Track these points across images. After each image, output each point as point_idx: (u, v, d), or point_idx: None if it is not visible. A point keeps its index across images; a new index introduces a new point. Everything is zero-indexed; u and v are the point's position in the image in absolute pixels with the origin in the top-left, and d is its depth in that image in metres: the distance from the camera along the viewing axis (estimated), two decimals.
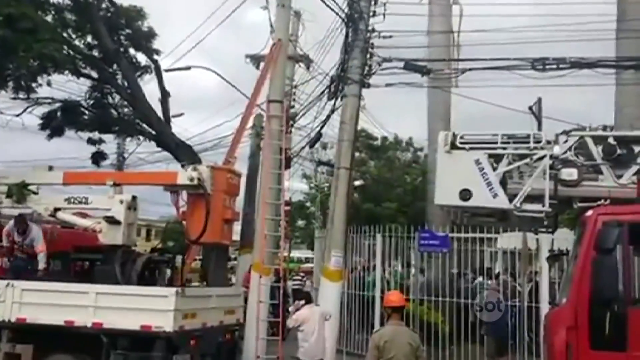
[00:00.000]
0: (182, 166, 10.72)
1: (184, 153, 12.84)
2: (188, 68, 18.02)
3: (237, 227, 17.33)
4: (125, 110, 15.72)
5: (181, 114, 21.36)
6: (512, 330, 12.32)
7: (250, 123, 16.24)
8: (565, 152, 7.11)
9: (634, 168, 6.73)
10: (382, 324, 13.41)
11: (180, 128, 19.06)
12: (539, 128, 7.73)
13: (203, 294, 9.78)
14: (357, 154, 30.82)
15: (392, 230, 13.57)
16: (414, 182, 26.28)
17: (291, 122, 14.09)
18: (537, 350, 10.23)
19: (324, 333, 9.48)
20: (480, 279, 14.30)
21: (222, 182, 10.32)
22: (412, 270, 14.16)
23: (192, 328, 8.85)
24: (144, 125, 15.18)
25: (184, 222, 10.56)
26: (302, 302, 9.78)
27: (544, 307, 8.78)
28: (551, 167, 7.03)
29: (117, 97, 15.42)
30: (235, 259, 19.92)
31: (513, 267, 12.90)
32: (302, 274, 22.93)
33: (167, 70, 16.01)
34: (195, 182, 9.86)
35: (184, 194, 10.33)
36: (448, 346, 12.36)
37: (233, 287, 12.98)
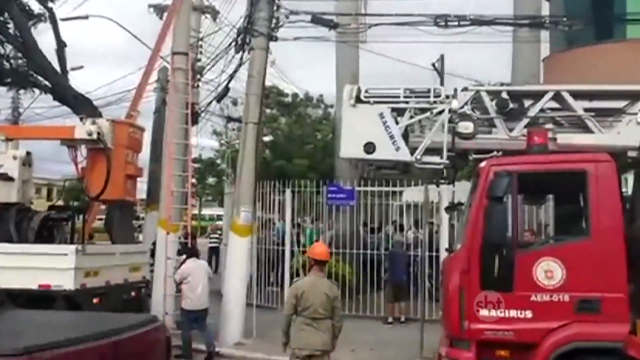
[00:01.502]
0: (81, 120, 10.26)
1: (84, 107, 12.22)
2: (86, 17, 17.08)
3: (143, 185, 16.95)
4: (19, 61, 14.78)
5: (80, 67, 20.33)
6: (413, 278, 12.95)
7: (155, 76, 15.76)
8: (463, 106, 7.37)
9: (525, 121, 7.09)
10: (291, 277, 13.77)
11: (81, 82, 18.12)
12: (442, 84, 7.99)
13: (106, 252, 9.56)
14: (267, 110, 30.66)
15: (301, 185, 13.74)
16: (325, 139, 26.52)
17: (198, 76, 13.71)
18: (436, 295, 10.81)
19: (207, 285, 9.87)
20: (389, 230, 14.84)
21: (124, 136, 9.99)
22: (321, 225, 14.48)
23: (95, 286, 8.65)
24: (39, 77, 14.30)
25: (84, 179, 10.18)
26: (184, 256, 10.01)
27: (444, 255, 9.24)
28: (450, 121, 7.27)
29: (9, 47, 14.45)
30: (142, 218, 19.50)
31: (417, 219, 13.48)
32: (219, 232, 22.71)
33: (63, 19, 15.08)
34: (95, 136, 9.49)
35: (82, 149, 9.93)
36: (355, 296, 12.83)
37: (139, 244, 12.71)
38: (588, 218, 6.08)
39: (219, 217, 31.99)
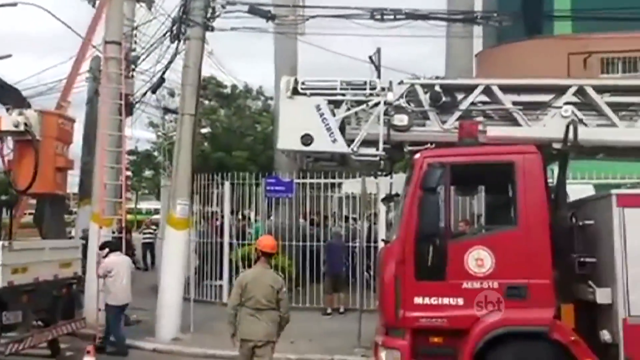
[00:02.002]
0: (7, 110, 9.81)
1: (10, 97, 11.67)
2: (14, 4, 16.30)
3: (76, 178, 16.41)
4: None
5: (8, 56, 19.41)
6: (352, 269, 13.12)
7: (87, 66, 15.25)
8: (398, 99, 7.47)
9: (457, 114, 7.25)
10: (231, 271, 13.70)
11: (10, 71, 17.29)
12: (379, 77, 8.03)
13: (34, 247, 9.20)
14: (206, 102, 30.21)
15: (240, 178, 13.65)
16: (265, 131, 26.37)
17: (132, 66, 13.36)
18: (374, 286, 10.96)
19: (130, 280, 9.93)
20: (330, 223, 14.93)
21: (53, 127, 9.64)
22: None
23: (23, 283, 8.32)
24: None
25: (11, 172, 9.76)
26: (107, 250, 9.94)
27: (381, 246, 9.38)
28: (385, 113, 7.35)
29: None
30: (75, 212, 18.89)
31: (356, 211, 13.63)
32: (153, 227, 22.22)
33: None
34: (22, 127, 9.12)
35: (9, 141, 9.52)
36: (294, 288, 12.87)
37: (70, 239, 12.30)
38: (516, 208, 6.29)
39: (156, 211, 31.33)
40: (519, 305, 6.04)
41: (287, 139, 7.59)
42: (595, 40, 15.38)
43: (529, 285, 6.06)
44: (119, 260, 9.88)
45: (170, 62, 12.05)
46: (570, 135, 6.68)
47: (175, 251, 10.76)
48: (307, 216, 15.10)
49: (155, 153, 33.42)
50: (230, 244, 13.83)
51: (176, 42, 11.40)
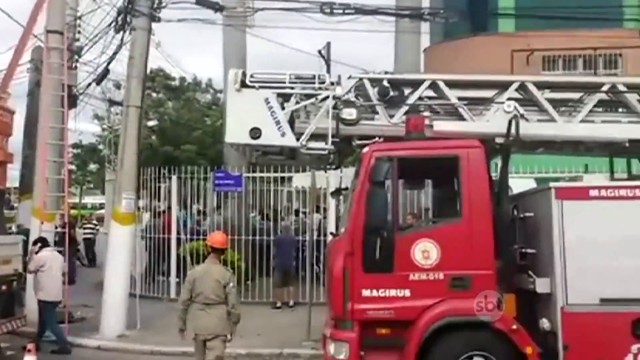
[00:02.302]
0: None
1: None
2: None
3: (16, 172, 15.84)
4: None
5: None
6: (301, 263, 13.15)
7: (28, 56, 14.70)
8: (347, 93, 7.50)
9: (404, 108, 7.33)
10: (178, 266, 13.53)
11: None
12: (328, 71, 8.02)
13: None
14: (153, 94, 29.65)
15: (188, 172, 13.47)
16: (215, 124, 26.07)
17: (76, 57, 12.96)
18: (324, 279, 11.02)
19: (61, 276, 9.76)
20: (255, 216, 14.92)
21: None
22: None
23: None
24: None
25: None
26: (39, 245, 9.74)
27: (330, 239, 9.43)
28: (334, 107, 7.36)
29: None
30: (16, 207, 18.23)
31: (306, 205, 13.65)
32: (94, 223, 21.67)
33: None
34: None
35: None
36: (244, 282, 12.80)
37: (10, 235, 11.88)
38: (460, 201, 6.43)
39: (102, 206, 30.60)
40: (463, 295, 6.18)
41: (235, 133, 7.50)
42: (537, 38, 15.84)
43: (473, 276, 6.21)
44: (50, 256, 9.65)
45: (115, 53, 11.78)
46: (512, 130, 6.88)
47: (121, 246, 10.55)
48: (257, 210, 15.05)
49: (101, 146, 32.58)
50: (179, 239, 13.64)
51: (121, 32, 11.15)
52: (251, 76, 7.54)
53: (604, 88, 7.33)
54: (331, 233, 9.44)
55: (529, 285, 6.45)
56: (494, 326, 6.11)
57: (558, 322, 6.12)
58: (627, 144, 7.08)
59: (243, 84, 7.47)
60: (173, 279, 13.53)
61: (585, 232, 6.15)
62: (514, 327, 6.12)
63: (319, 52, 8.42)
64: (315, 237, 12.76)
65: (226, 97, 8.28)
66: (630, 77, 8.78)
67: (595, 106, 7.43)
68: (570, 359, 6.03)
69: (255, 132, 7.32)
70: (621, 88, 7.30)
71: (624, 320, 5.99)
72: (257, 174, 13.41)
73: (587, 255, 6.11)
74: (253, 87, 7.45)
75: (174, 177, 13.57)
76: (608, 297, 6.05)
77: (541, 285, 6.32)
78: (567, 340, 6.06)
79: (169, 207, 13.98)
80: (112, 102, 25.01)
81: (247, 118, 7.39)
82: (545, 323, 6.27)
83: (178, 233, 13.58)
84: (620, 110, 7.53)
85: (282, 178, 14.09)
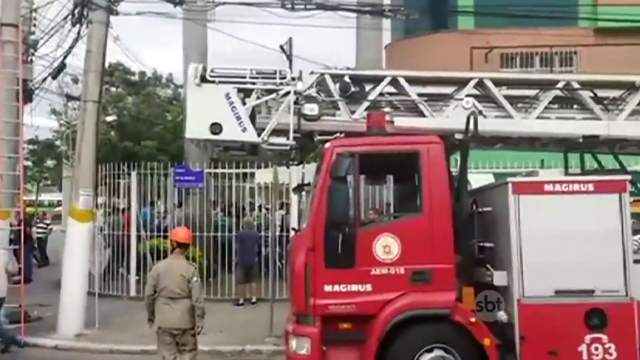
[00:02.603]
0: None
1: None
2: None
3: None
4: None
5: None
6: (264, 259, 13.12)
7: None
8: (308, 88, 7.49)
9: (365, 104, 7.37)
10: (138, 263, 13.34)
11: None
12: (290, 67, 8.00)
13: None
14: (112, 89, 29.14)
15: (148, 168, 13.27)
16: (175, 120, 25.77)
17: (31, 50, 12.63)
18: (286, 275, 11.02)
19: (4, 272, 9.56)
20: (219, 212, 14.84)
21: None
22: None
23: None
24: None
25: None
26: None
27: (292, 235, 9.43)
28: (295, 103, 7.35)
29: None
30: None
31: (269, 201, 13.61)
32: (47, 222, 21.14)
33: None
34: None
35: None
36: (206, 279, 12.70)
37: None
38: (420, 196, 6.50)
39: (59, 203, 29.92)
40: (423, 289, 6.25)
41: (195, 128, 7.42)
42: (496, 35, 16.14)
43: (433, 270, 6.28)
44: None
45: (71, 47, 11.49)
46: (471, 126, 6.98)
47: (78, 244, 10.35)
48: (219, 206, 14.94)
49: (58, 142, 31.87)
50: (139, 236, 13.45)
51: (78, 25, 10.89)
52: (211, 71, 7.47)
53: (559, 85, 7.50)
54: (293, 229, 9.43)
55: (487, 279, 6.57)
56: (453, 319, 6.21)
57: (515, 314, 6.25)
58: (580, 140, 7.26)
59: (203, 79, 7.39)
60: (133, 276, 13.33)
61: (541, 226, 6.28)
62: (473, 319, 6.23)
63: (281, 47, 8.38)
64: (278, 233, 12.74)
65: (186, 92, 8.19)
66: (584, 75, 9.04)
67: (551, 103, 7.59)
68: (527, 349, 6.17)
69: (216, 128, 7.25)
70: (575, 85, 7.48)
71: (577, 311, 6.16)
72: (219, 170, 13.30)
73: (543, 248, 6.25)
74: (213, 82, 7.38)
75: (134, 174, 13.36)
76: (562, 289, 6.20)
77: (499, 278, 6.44)
78: (524, 331, 6.20)
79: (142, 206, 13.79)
80: (69, 97, 24.51)
81: (207, 113, 7.31)
82: (502, 315, 6.40)
83: (138, 230, 13.38)
84: (575, 107, 7.71)
85: (245, 174, 14.01)
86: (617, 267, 6.20)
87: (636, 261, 6.27)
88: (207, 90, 7.35)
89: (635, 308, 6.14)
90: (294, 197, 12.46)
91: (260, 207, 15.22)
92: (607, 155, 7.37)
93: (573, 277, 6.20)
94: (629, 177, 6.54)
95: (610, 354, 6.07)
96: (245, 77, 7.47)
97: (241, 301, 12.66)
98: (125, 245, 13.42)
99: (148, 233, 13.37)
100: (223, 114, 7.26)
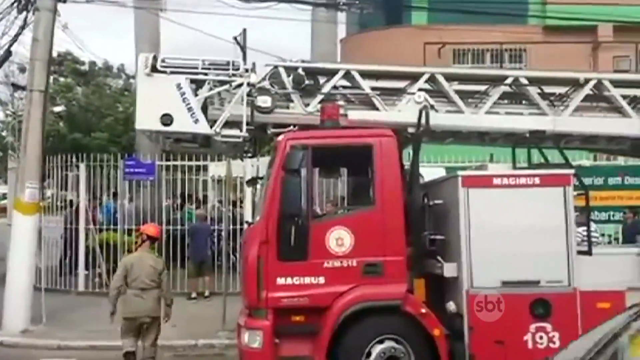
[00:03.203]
0: None
1: None
2: None
3: None
4: None
5: None
6: (217, 252, 13.00)
7: None
8: (262, 80, 7.44)
9: (319, 97, 7.37)
10: (87, 258, 13.04)
11: None
12: (244, 59, 7.90)
13: None
14: (62, 79, 28.27)
15: (98, 160, 12.96)
16: (127, 111, 25.20)
17: None
18: (240, 269, 10.95)
19: None
20: (189, 206, 14.66)
21: None
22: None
23: None
24: None
25: None
26: None
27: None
28: (249, 95, 7.28)
29: None
30: None
31: (222, 194, 13.47)
32: None
33: None
34: None
35: None
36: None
37: None
38: (373, 189, 6.56)
39: (5, 196, 28.97)
40: (375, 281, 6.32)
41: (145, 119, 7.27)
42: (448, 31, 16.38)
43: (385, 262, 6.35)
44: None
45: (17, 35, 11.08)
46: (423, 120, 7.08)
47: (24, 237, 10.04)
48: (171, 199, 14.72)
49: (4, 133, 30.80)
50: (87, 230, 13.12)
51: (25, 12, 10.52)
52: (162, 61, 7.33)
53: (508, 81, 7.65)
54: (247, 222, 9.37)
55: (437, 270, 6.68)
56: (404, 310, 6.30)
57: (464, 305, 6.38)
58: (527, 135, 7.44)
59: (154, 69, 7.24)
60: (82, 271, 13.01)
61: (489, 219, 6.43)
62: (423, 310, 6.33)
63: (235, 39, 8.28)
64: (231, 226, 12.64)
65: (137, 82, 8.00)
66: (532, 71, 9.27)
67: (501, 99, 7.74)
68: (475, 339, 6.31)
69: (167, 119, 7.12)
70: (523, 81, 7.65)
71: (523, 302, 6.33)
72: (171, 163, 13.09)
73: (491, 240, 6.39)
74: (164, 72, 7.24)
75: (82, 165, 13.02)
76: (509, 280, 6.37)
77: (448, 270, 6.56)
78: (472, 321, 6.34)
79: (91, 199, 13.46)
80: (15, 87, 23.68)
81: (158, 104, 7.17)
82: (451, 306, 6.52)
83: (87, 224, 13.06)
84: (523, 103, 7.89)
85: (198, 167, 13.83)
86: (561, 259, 6.40)
87: (579, 252, 6.49)
88: (157, 81, 7.21)
89: (577, 298, 6.35)
90: (247, 190, 12.37)
91: (213, 200, 15.07)
92: (554, 150, 7.57)
93: (519, 268, 6.37)
94: (572, 171, 6.76)
95: (554, 342, 6.27)
96: (197, 68, 7.36)
97: (194, 295, 12.52)
98: (74, 240, 13.10)
99: (97, 227, 13.06)
100: (174, 105, 7.14)
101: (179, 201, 14.57)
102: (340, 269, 6.34)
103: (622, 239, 11.69)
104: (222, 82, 7.37)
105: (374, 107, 7.49)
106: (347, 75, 7.53)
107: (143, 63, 7.26)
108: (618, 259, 6.80)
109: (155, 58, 7.33)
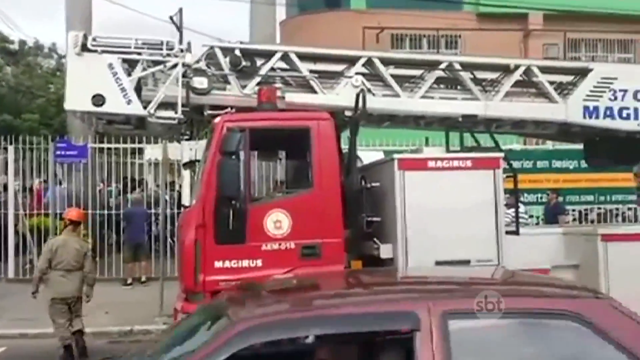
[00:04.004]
0: None
1: None
2: None
3: None
4: None
5: None
6: (154, 237, 12.79)
7: None
8: (198, 61, 7.28)
9: (257, 79, 7.28)
10: (17, 244, 12.58)
11: None
12: (180, 39, 7.71)
13: None
14: None
15: (28, 142, 12.49)
16: (59, 92, 24.26)
17: None
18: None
19: None
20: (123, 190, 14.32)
21: None
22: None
23: None
24: None
25: None
26: None
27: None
28: (184, 75, 7.12)
29: None
30: None
31: (158, 177, 13.22)
32: None
33: None
34: None
35: None
36: (92, 258, 12.18)
37: None
38: (311, 171, 6.57)
39: None
40: (313, 263, 6.34)
41: (75, 99, 7.01)
42: (387, 16, 16.54)
43: (322, 245, 6.40)
44: None
45: None
46: (360, 103, 7.13)
47: None
48: (106, 183, 14.34)
49: None
50: (17, 215, 12.63)
51: None
52: (93, 40, 7.07)
53: (442, 66, 7.78)
54: (183, 205, 9.23)
55: (374, 252, 6.79)
56: None
57: None
58: (460, 119, 7.61)
59: (84, 48, 6.98)
60: (11, 257, 12.53)
61: (424, 200, 6.56)
62: None
63: (171, 18, 8.07)
64: (168, 210, 12.43)
65: (67, 61, 7.69)
66: (465, 57, 9.48)
67: (436, 84, 7.87)
68: None
69: (98, 100, 6.90)
70: (457, 67, 7.81)
71: None
72: (105, 145, 12.73)
73: (425, 221, 6.53)
74: (95, 51, 6.99)
75: (11, 148, 12.49)
76: (442, 259, 6.52)
77: (385, 251, 6.67)
78: None
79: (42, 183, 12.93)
80: None
81: (88, 84, 6.94)
82: None
83: (16, 209, 12.57)
84: (458, 88, 8.06)
85: (133, 149, 13.50)
86: (490, 239, 6.62)
87: (508, 232, 6.74)
88: (88, 60, 6.96)
89: None
90: (185, 174, 12.17)
91: (151, 183, 14.76)
92: (485, 135, 7.79)
93: (452, 248, 6.52)
94: (502, 154, 6.99)
95: None
96: (129, 47, 7.14)
97: (129, 281, 12.29)
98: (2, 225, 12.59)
99: (27, 212, 12.59)
100: (106, 85, 6.92)
101: (121, 186, 14.20)
102: (278, 251, 6.35)
103: (544, 219, 12.21)
104: (156, 63, 7.18)
105: (312, 90, 7.48)
106: (285, 57, 7.48)
107: (73, 42, 6.98)
108: (543, 239, 7.10)
109: (85, 37, 7.07)
